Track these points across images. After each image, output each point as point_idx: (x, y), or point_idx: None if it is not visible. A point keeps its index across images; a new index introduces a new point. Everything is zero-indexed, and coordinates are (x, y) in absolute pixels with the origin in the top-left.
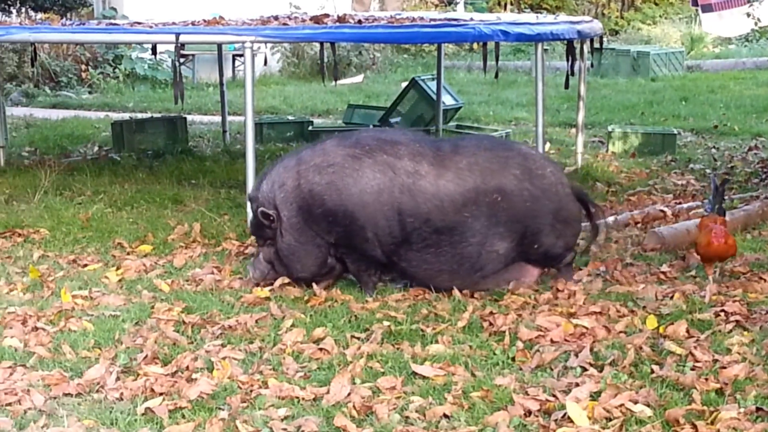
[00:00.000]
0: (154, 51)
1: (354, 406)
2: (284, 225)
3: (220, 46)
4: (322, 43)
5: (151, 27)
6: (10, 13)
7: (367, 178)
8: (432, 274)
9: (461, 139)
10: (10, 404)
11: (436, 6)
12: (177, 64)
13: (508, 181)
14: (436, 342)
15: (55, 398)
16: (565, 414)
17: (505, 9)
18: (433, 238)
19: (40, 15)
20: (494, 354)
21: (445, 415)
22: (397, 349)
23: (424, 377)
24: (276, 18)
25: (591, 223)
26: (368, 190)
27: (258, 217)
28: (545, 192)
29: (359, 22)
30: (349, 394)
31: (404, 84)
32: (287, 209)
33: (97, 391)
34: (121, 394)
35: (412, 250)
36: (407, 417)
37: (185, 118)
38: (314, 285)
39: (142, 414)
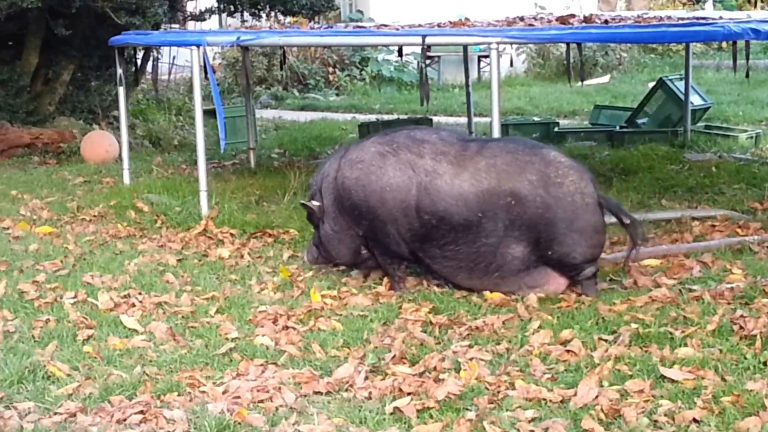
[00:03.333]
0: (400, 53)
1: (602, 409)
2: (325, 213)
3: (465, 47)
4: (568, 44)
5: (397, 29)
6: (260, 17)
7: (388, 176)
8: (451, 271)
9: (492, 139)
10: (262, 401)
11: (684, 4)
12: (423, 65)
13: (523, 186)
14: (685, 345)
15: (305, 396)
16: None
17: (755, 6)
18: (451, 236)
19: (288, 19)
20: (745, 358)
21: (695, 420)
22: (645, 351)
23: (672, 381)
24: (522, 19)
25: (628, 234)
26: (388, 187)
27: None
28: (559, 201)
29: (605, 22)
30: (596, 397)
31: (651, 84)
32: (327, 198)
33: (347, 389)
34: (370, 393)
35: (434, 246)
36: (656, 421)
37: (431, 120)
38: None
39: (391, 413)
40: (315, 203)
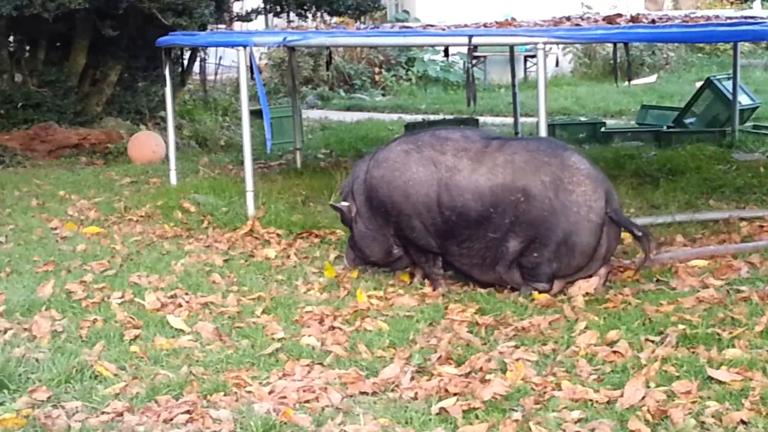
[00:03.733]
0: (446, 53)
1: (648, 410)
2: (358, 213)
3: (512, 47)
4: (615, 44)
5: (443, 29)
6: (306, 17)
7: (411, 172)
8: (469, 268)
9: (516, 138)
10: (308, 401)
11: (732, 4)
12: (469, 65)
13: (534, 185)
14: (733, 346)
15: (351, 396)
16: None
17: None
18: (467, 233)
19: (335, 19)
20: None
21: (743, 421)
22: (693, 352)
23: (720, 382)
24: (568, 19)
25: (642, 248)
26: (411, 182)
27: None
28: (564, 208)
29: (652, 21)
30: (643, 398)
31: (699, 84)
32: (359, 199)
33: (392, 390)
34: (416, 393)
35: (453, 244)
36: (703, 422)
37: (477, 120)
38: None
39: (437, 414)
40: (344, 204)
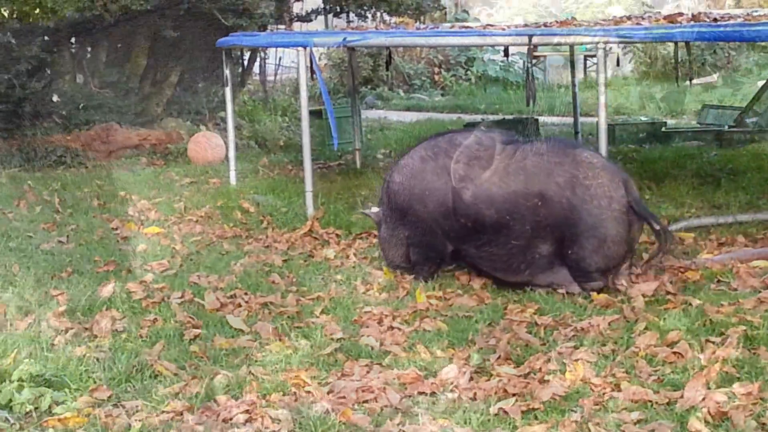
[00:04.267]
0: (506, 53)
1: (709, 412)
2: (383, 217)
3: (572, 47)
4: (676, 43)
5: (503, 29)
6: (366, 18)
7: (427, 181)
8: (490, 270)
9: (528, 141)
10: (367, 401)
11: None
12: (529, 65)
13: (549, 188)
14: None
15: (409, 396)
16: None
17: None
18: (485, 238)
19: (394, 19)
20: None
21: None
22: (754, 354)
23: None
24: (629, 18)
25: (657, 240)
26: (428, 191)
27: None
28: (585, 203)
29: (714, 20)
30: (703, 399)
31: (761, 83)
32: (384, 203)
33: (451, 390)
34: (475, 394)
35: (472, 247)
36: (764, 424)
37: (537, 120)
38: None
39: (495, 414)
40: (374, 210)
